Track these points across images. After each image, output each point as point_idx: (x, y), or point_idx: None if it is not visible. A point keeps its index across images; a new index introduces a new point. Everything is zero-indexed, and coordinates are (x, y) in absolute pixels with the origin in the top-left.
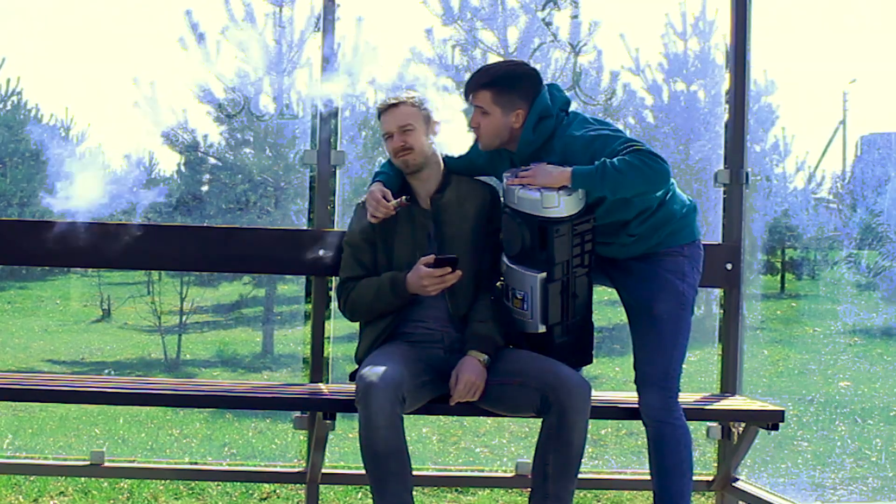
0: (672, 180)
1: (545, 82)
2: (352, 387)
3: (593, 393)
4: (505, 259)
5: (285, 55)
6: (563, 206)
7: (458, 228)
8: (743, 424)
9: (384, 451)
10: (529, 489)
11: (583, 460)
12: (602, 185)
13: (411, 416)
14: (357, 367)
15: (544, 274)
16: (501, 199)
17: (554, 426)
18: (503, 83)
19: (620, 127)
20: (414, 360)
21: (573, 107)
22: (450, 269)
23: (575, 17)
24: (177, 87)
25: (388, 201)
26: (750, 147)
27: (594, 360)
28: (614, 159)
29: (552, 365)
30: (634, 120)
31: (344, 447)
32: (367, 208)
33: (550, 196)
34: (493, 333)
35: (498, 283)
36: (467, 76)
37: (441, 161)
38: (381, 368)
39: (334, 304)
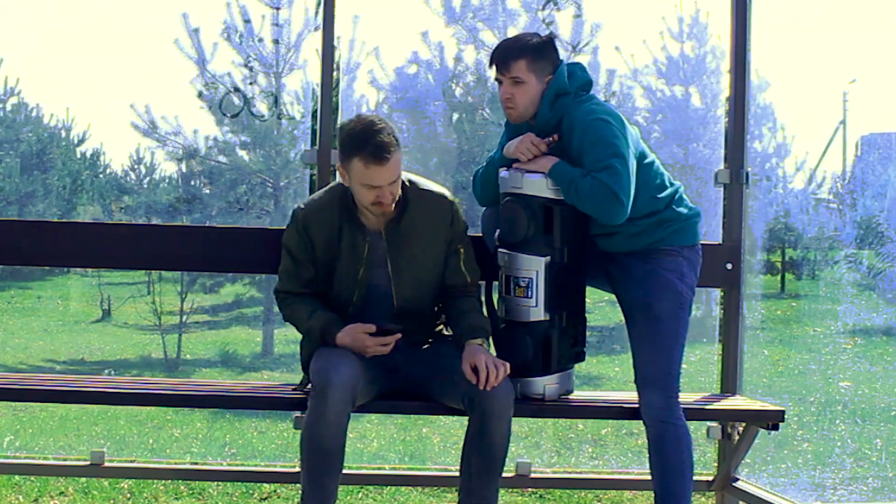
0: (679, 184)
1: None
2: None
3: (593, 393)
4: (504, 250)
5: (283, 56)
6: None
7: (416, 250)
8: (743, 424)
9: (331, 447)
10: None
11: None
12: (566, 195)
13: (411, 416)
14: (301, 352)
15: (548, 258)
16: (500, 192)
17: (477, 427)
18: (537, 51)
19: None
20: (365, 357)
21: None
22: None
23: (578, 16)
24: (177, 88)
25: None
26: (750, 147)
27: (593, 360)
28: (586, 178)
29: None
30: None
31: None
32: (517, 153)
33: None
34: (485, 323)
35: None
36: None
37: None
38: (339, 367)
39: None
